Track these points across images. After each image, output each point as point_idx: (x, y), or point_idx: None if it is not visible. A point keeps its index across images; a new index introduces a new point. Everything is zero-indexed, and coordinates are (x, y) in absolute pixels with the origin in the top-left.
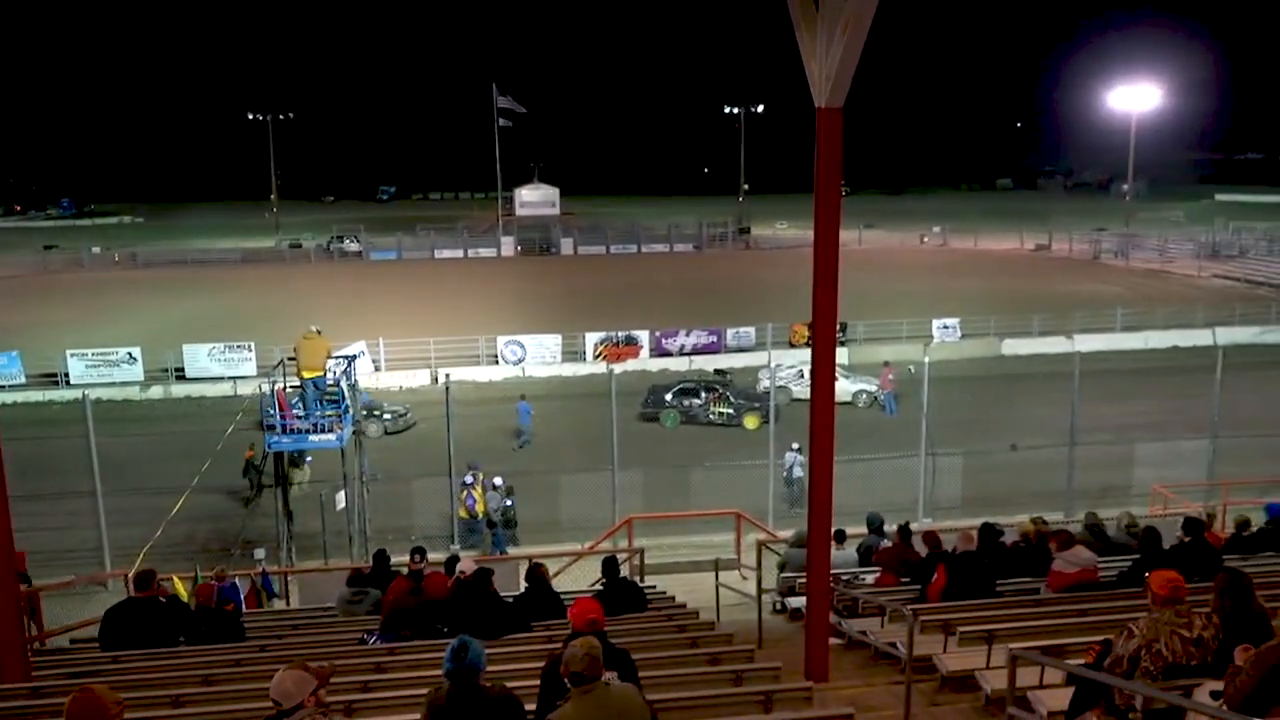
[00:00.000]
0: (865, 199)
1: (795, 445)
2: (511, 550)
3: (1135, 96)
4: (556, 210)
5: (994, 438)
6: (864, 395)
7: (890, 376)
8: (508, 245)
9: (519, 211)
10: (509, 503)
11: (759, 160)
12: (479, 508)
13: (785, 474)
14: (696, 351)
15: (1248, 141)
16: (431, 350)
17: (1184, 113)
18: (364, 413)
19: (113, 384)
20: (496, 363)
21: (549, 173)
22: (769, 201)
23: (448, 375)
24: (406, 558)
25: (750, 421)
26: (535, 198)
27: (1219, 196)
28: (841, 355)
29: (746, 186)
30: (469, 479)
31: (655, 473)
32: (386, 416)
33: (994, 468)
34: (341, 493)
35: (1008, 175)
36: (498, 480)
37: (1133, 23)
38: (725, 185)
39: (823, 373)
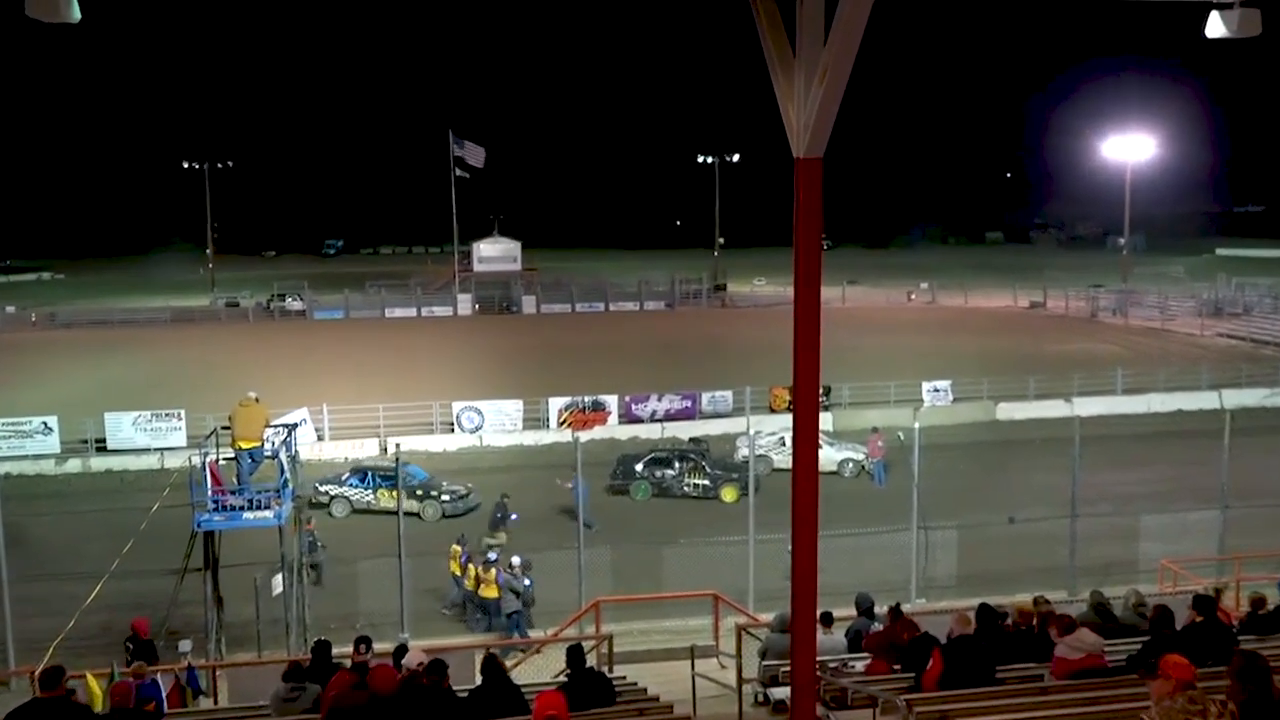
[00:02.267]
0: (848, 253)
1: None
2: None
3: (1129, 146)
4: (518, 265)
5: (990, 509)
6: (850, 464)
7: (879, 443)
8: (465, 303)
9: (477, 267)
10: (528, 582)
11: (735, 212)
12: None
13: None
14: (669, 418)
15: (1247, 193)
16: (381, 417)
17: (1181, 164)
18: (419, 493)
19: (25, 457)
20: (452, 430)
21: (510, 225)
22: (746, 255)
23: (398, 445)
24: (350, 648)
25: (728, 494)
26: (495, 252)
27: (1220, 251)
28: (825, 421)
29: (722, 240)
30: (493, 555)
31: (625, 550)
32: (445, 497)
33: (991, 542)
34: (278, 576)
35: (998, 229)
36: (515, 560)
37: (1120, 70)
38: (699, 238)
39: (805, 440)
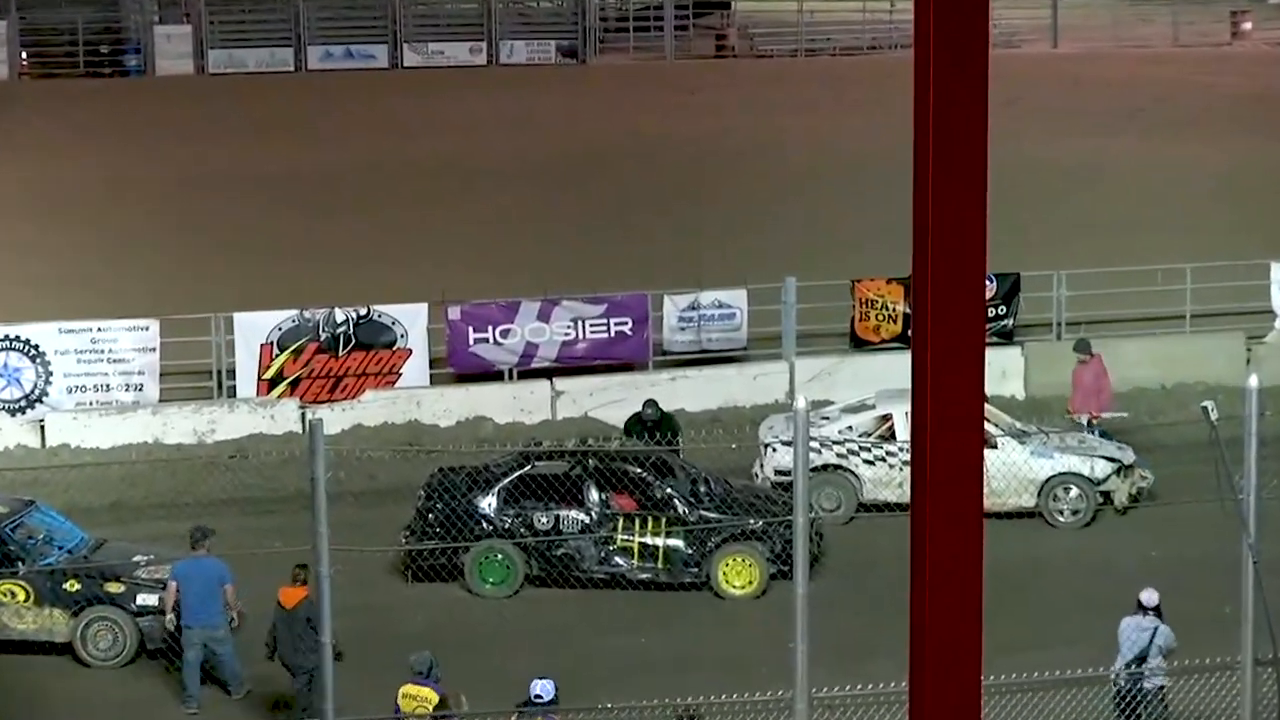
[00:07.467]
0: None
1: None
2: None
3: None
4: None
5: None
6: (1073, 489)
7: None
8: None
9: None
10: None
11: None
12: None
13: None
14: (571, 365)
15: None
16: None
17: None
18: (71, 589)
19: None
20: None
21: None
22: None
23: None
24: None
25: (736, 572)
26: None
27: None
28: (1005, 373)
29: None
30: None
31: None
32: (142, 600)
33: None
34: None
35: None
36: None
37: None
38: None
39: (951, 427)
